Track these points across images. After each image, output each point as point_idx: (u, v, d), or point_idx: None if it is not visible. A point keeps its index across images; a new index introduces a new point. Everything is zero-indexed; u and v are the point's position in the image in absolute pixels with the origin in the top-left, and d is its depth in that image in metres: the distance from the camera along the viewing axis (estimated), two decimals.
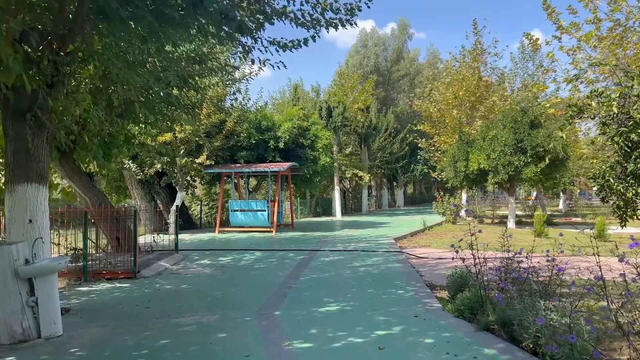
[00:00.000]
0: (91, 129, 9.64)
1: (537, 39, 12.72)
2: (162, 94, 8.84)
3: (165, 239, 11.91)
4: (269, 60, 7.49)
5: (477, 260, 5.80)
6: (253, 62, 7.47)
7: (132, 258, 8.67)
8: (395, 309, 5.95)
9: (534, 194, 39.37)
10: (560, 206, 38.31)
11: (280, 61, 7.50)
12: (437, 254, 11.80)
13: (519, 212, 28.47)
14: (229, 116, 17.67)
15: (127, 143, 11.56)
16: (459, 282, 6.64)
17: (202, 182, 20.67)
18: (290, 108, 21.59)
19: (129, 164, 16.65)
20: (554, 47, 12.51)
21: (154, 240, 11.35)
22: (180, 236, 16.91)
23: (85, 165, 11.56)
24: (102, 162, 10.77)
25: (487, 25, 39.88)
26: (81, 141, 10.17)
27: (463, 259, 5.94)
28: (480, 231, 5.85)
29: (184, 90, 10.54)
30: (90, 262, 8.70)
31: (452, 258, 6.26)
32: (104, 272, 8.63)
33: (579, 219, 25.45)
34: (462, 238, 5.95)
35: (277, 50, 7.11)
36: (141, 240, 12.29)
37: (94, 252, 11.09)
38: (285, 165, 17.18)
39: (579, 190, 42.35)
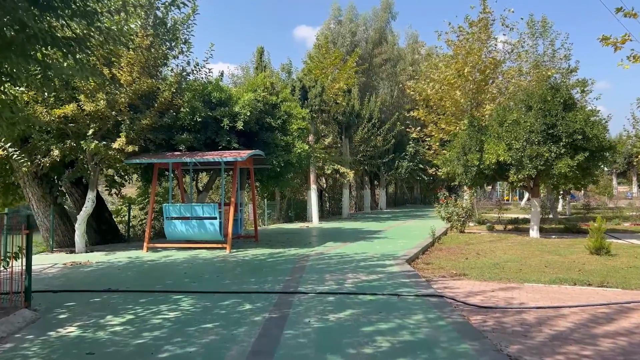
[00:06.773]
0: None
1: None
2: None
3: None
4: None
5: None
6: None
7: None
8: None
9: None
10: (560, 208, 34.41)
11: None
12: (495, 296, 6.89)
13: (523, 216, 24.20)
14: (164, 82, 12.30)
15: None
16: None
17: (128, 179, 15.19)
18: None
19: (6, 149, 11.05)
20: None
21: None
22: (89, 256, 11.41)
23: None
24: None
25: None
26: None
27: None
28: None
29: (65, 13, 5.49)
30: None
31: None
32: None
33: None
34: None
35: None
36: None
37: None
38: (245, 154, 11.96)
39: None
